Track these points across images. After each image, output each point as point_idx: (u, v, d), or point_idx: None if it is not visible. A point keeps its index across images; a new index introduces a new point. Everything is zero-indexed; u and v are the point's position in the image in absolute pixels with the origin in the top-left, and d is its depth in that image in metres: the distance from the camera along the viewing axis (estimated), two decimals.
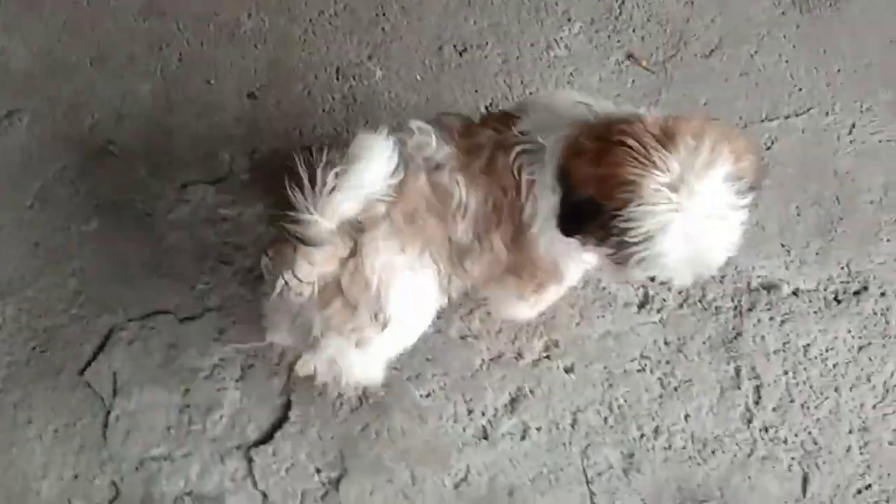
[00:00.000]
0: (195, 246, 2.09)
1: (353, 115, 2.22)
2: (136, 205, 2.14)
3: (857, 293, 2.06)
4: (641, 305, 2.04)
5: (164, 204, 2.13)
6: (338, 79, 2.25)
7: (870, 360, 2.00)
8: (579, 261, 1.61)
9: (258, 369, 1.99)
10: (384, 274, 1.49)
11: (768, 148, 2.20)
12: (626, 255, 1.36)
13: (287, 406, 1.96)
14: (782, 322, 2.02)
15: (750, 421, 1.95)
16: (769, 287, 2.05)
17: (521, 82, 2.27)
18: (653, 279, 1.44)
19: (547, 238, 1.54)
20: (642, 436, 1.94)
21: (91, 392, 1.96)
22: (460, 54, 2.31)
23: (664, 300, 2.05)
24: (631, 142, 1.33)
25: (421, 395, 1.97)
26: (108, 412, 1.95)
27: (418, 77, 2.28)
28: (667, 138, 1.32)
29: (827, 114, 2.24)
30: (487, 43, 2.32)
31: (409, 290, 1.54)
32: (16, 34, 2.31)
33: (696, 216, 1.31)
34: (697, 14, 2.36)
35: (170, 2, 2.35)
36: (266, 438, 1.94)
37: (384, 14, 2.35)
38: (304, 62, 2.29)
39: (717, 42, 2.32)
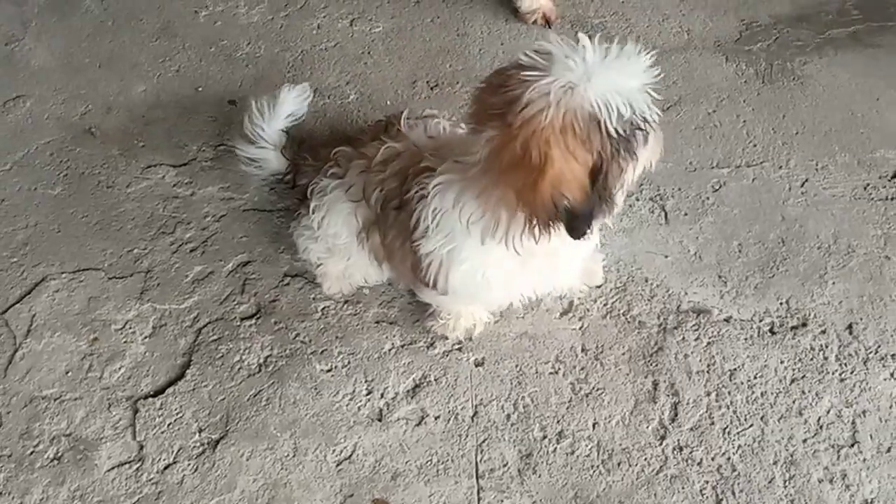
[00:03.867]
0: (143, 216, 2.26)
1: (319, 126, 2.44)
2: (100, 177, 2.35)
3: (794, 328, 2.02)
4: (564, 313, 2.05)
5: (126, 179, 2.34)
6: (314, 97, 2.50)
7: (803, 393, 1.92)
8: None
9: (169, 328, 2.06)
10: None
11: (716, 191, 2.27)
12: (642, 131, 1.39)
13: (186, 366, 2.01)
14: (709, 344, 1.99)
15: (663, 437, 1.87)
16: (699, 311, 2.04)
17: None
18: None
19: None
20: (545, 437, 1.88)
21: (7, 330, 2.06)
22: (431, 89, 2.54)
23: (587, 310, 2.05)
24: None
25: (321, 370, 1.98)
26: (16, 350, 2.03)
27: (388, 102, 2.50)
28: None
29: (780, 167, 2.32)
30: (458, 82, 2.55)
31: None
32: (43, 37, 2.68)
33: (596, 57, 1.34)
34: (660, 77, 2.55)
35: (183, 27, 2.71)
36: (157, 393, 1.97)
37: (370, 52, 2.63)
38: (287, 80, 2.57)
39: (676, 100, 2.48)
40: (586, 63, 1.32)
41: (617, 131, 1.33)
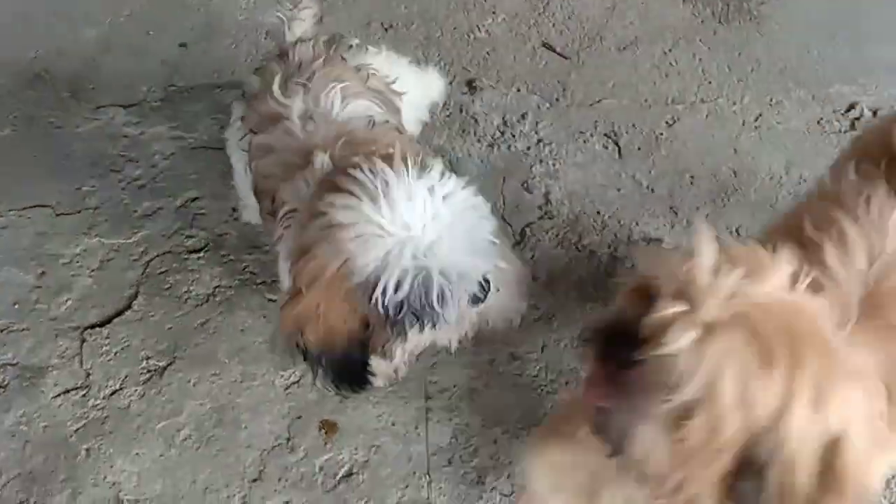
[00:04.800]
0: (92, 155, 2.32)
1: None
2: (50, 119, 2.40)
3: None
4: (516, 244, 2.13)
5: (76, 120, 2.39)
6: (265, 38, 2.56)
7: None
8: None
9: (117, 262, 2.12)
10: None
11: (669, 126, 2.35)
12: (419, 314, 1.28)
13: (134, 297, 2.07)
14: None
15: None
16: (650, 240, 2.12)
17: (438, 54, 2.54)
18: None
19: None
20: (494, 360, 1.96)
21: None
22: (385, 30, 2.60)
23: (539, 240, 2.13)
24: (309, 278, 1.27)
25: (270, 299, 2.05)
26: None
27: None
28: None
29: (734, 103, 2.41)
30: (413, 23, 2.62)
31: None
32: None
33: (417, 229, 1.24)
34: (617, 17, 2.64)
35: None
36: (104, 323, 2.03)
37: None
38: (239, 25, 2.62)
39: (632, 39, 2.56)
40: (393, 223, 1.23)
41: (387, 310, 1.25)
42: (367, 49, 1.79)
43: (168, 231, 2.15)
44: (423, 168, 1.28)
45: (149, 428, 1.86)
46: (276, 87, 1.57)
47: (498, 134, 2.29)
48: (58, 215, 2.18)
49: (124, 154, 2.30)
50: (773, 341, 0.88)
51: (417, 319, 1.29)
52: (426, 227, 1.24)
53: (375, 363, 1.44)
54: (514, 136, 2.28)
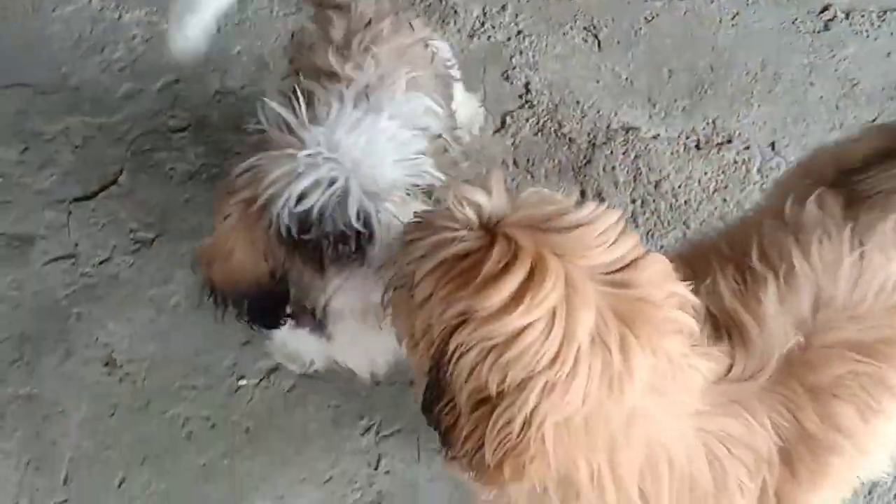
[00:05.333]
0: (71, 37, 2.34)
1: None
2: (25, 2, 2.42)
3: (719, 144, 2.22)
4: (497, 130, 2.22)
5: (52, 2, 2.41)
6: None
7: (724, 200, 2.13)
8: None
9: (100, 140, 2.18)
10: None
11: (649, 21, 2.44)
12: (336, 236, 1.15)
13: (119, 173, 2.13)
14: (636, 157, 2.18)
15: None
16: (628, 129, 2.23)
17: None
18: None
19: None
20: None
21: None
22: None
23: (520, 127, 2.23)
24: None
25: None
26: None
27: None
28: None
29: (712, 1, 2.50)
30: None
31: None
32: None
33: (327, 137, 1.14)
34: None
35: None
36: (90, 197, 2.09)
37: None
38: None
39: None
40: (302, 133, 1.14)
41: (289, 230, 1.12)
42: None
43: (150, 112, 2.20)
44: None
45: (139, 295, 1.94)
46: (336, 43, 1.41)
47: (478, 25, 2.36)
48: (38, 94, 2.22)
49: (103, 37, 2.33)
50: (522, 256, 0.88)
51: (332, 247, 1.13)
52: (349, 141, 1.14)
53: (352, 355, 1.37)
54: (493, 27, 2.36)
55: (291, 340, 1.61)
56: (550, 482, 0.97)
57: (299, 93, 1.18)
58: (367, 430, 1.82)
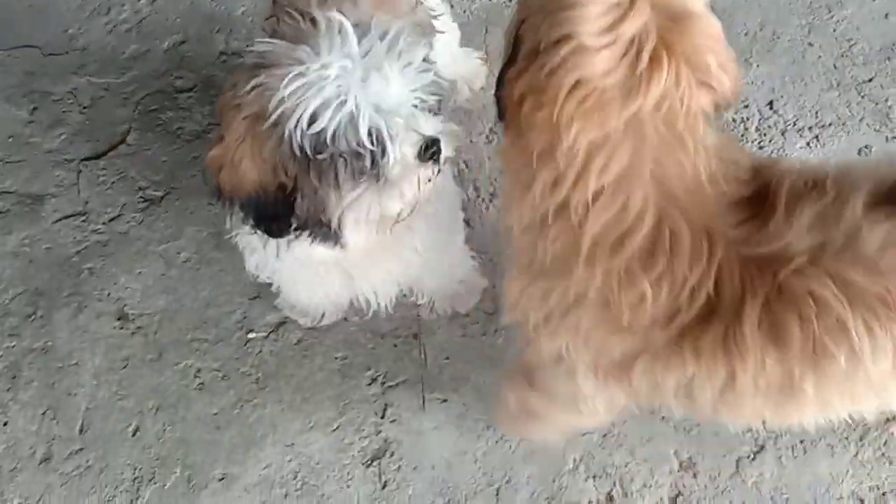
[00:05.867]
0: None
1: None
2: None
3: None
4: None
5: None
6: None
7: None
8: None
9: (108, 100, 2.25)
10: None
11: None
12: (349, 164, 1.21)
13: (127, 133, 2.21)
14: None
15: None
16: None
17: None
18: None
19: None
20: (478, 197, 2.14)
21: None
22: None
23: None
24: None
25: None
26: None
27: None
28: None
29: None
30: None
31: None
32: None
33: (342, 62, 1.19)
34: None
35: None
36: (100, 156, 2.17)
37: None
38: None
39: None
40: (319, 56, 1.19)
41: (303, 150, 1.18)
42: None
43: (157, 72, 2.27)
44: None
45: (149, 250, 2.02)
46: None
47: None
48: (46, 55, 2.29)
49: None
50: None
51: (348, 164, 1.20)
52: (359, 62, 1.19)
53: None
54: None
55: (304, 292, 1.69)
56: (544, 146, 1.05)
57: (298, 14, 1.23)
58: (373, 380, 1.91)
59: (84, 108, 2.21)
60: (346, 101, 1.16)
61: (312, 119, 1.16)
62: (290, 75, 1.17)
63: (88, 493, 1.84)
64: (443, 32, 1.70)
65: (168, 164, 2.12)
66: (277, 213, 1.27)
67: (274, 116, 1.17)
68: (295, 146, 1.17)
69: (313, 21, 1.23)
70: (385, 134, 1.19)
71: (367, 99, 1.18)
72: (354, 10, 1.39)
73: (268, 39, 1.23)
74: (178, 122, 2.18)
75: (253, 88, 1.19)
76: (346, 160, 1.20)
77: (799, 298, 1.08)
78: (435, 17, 1.67)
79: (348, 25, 1.21)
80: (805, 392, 1.15)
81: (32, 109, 2.20)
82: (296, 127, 1.16)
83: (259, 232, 1.32)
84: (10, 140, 2.15)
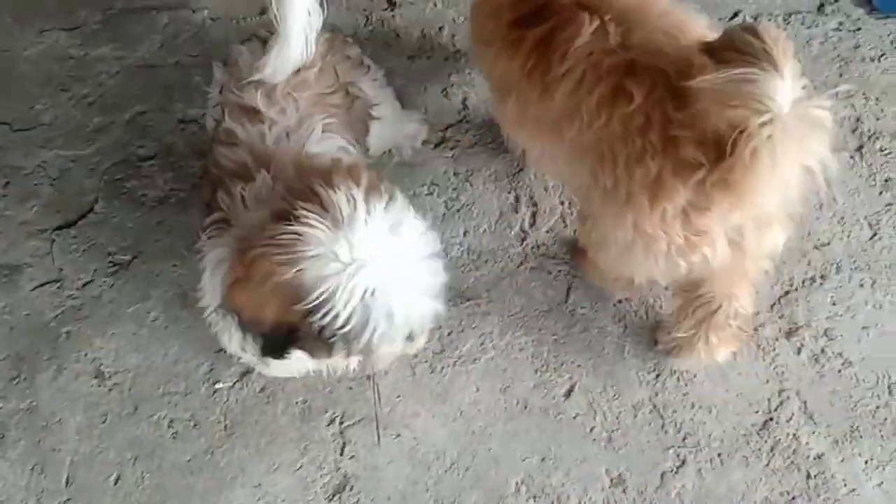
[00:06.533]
0: (41, 76, 2.62)
1: None
2: None
3: None
4: (438, 144, 2.54)
5: (22, 44, 2.69)
6: None
7: None
8: None
9: (75, 171, 2.47)
10: None
11: None
12: (349, 345, 1.42)
13: (95, 202, 2.43)
14: None
15: (524, 240, 2.39)
16: None
17: None
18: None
19: None
20: None
21: None
22: None
23: (458, 140, 2.55)
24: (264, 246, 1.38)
25: None
26: None
27: None
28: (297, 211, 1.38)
29: None
30: None
31: None
32: None
33: (372, 266, 1.36)
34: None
35: None
36: (71, 224, 2.39)
37: None
38: None
39: None
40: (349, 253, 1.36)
41: (323, 331, 1.38)
42: (361, 62, 2.04)
43: (120, 142, 2.49)
44: (389, 200, 1.42)
45: (121, 312, 2.25)
46: (260, 91, 1.74)
47: (417, 47, 2.68)
48: (14, 131, 2.51)
49: (71, 74, 2.62)
50: None
51: (348, 348, 1.42)
52: (381, 264, 1.35)
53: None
54: (432, 48, 2.67)
55: (278, 370, 1.98)
56: None
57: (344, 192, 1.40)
58: (332, 421, 2.15)
59: (53, 180, 2.43)
60: (368, 310, 1.37)
61: (340, 318, 1.36)
62: (328, 273, 1.36)
63: None
64: (378, 119, 1.99)
65: (134, 229, 2.35)
66: (281, 345, 1.49)
67: (305, 296, 1.36)
68: (316, 326, 1.38)
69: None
70: (387, 338, 1.42)
71: (384, 309, 1.38)
72: (294, 112, 1.67)
73: (307, 216, 1.37)
74: (143, 189, 2.42)
75: (287, 255, 1.36)
76: (346, 345, 1.43)
77: None
78: (370, 109, 1.96)
79: (374, 213, 1.38)
80: None
81: (5, 184, 2.42)
82: (323, 317, 1.37)
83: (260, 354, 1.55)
84: None
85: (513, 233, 2.38)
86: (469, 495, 2.07)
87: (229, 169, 1.67)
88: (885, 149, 2.46)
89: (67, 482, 2.10)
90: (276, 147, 1.67)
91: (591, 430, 2.15)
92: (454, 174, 2.46)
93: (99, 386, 2.18)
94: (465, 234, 2.38)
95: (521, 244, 2.36)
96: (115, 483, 2.10)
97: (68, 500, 2.08)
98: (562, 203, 2.42)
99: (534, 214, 2.40)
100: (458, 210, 2.41)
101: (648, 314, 2.27)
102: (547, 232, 2.38)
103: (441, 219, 2.40)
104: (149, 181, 2.42)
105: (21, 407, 2.16)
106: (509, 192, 2.44)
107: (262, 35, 1.84)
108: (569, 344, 2.24)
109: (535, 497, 2.07)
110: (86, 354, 2.19)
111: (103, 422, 2.15)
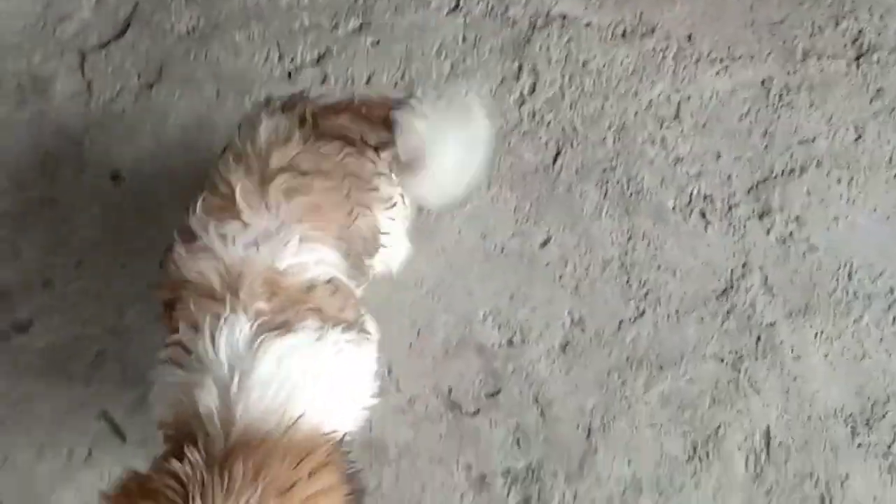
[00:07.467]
0: None
1: None
2: None
3: (643, 34, 2.73)
4: (451, 11, 2.74)
5: None
6: None
7: (641, 80, 2.66)
8: None
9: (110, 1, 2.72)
10: None
11: None
12: None
13: (126, 28, 2.67)
14: (569, 40, 2.70)
15: (521, 104, 2.60)
16: (565, 16, 2.75)
17: None
18: None
19: None
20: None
21: None
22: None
23: (470, 10, 2.74)
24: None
25: (241, 38, 2.66)
26: None
27: None
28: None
29: None
30: None
31: None
32: None
33: None
34: None
35: None
36: (102, 46, 2.64)
37: None
38: None
39: None
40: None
41: None
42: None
43: None
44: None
45: (142, 128, 2.50)
46: (242, 194, 1.54)
47: None
48: None
49: None
50: None
51: None
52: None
53: None
54: None
55: None
56: None
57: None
58: None
59: (91, 5, 2.67)
60: None
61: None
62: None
63: None
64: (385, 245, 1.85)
65: (159, 56, 2.61)
66: None
67: None
68: None
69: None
70: None
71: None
72: (275, 218, 1.54)
73: None
74: (170, 23, 2.66)
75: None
76: None
77: None
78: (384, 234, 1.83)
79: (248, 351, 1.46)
80: None
81: (46, 5, 2.66)
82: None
83: None
84: (25, 30, 2.62)
85: (512, 98, 2.58)
86: (440, 317, 2.30)
87: (193, 284, 1.50)
88: (882, 60, 2.62)
89: (77, 265, 2.36)
90: (250, 259, 1.49)
91: (561, 277, 2.37)
92: (463, 39, 2.66)
93: (115, 186, 2.42)
94: (465, 94, 2.57)
95: (519, 109, 2.56)
96: (122, 267, 2.35)
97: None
98: (562, 76, 2.61)
99: (534, 84, 2.60)
100: (464, 72, 2.61)
101: (630, 184, 2.46)
102: (545, 101, 2.58)
103: (445, 78, 2.61)
104: (178, 16, 2.66)
105: (44, 196, 2.41)
106: (514, 61, 2.63)
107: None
108: (550, 203, 2.44)
109: (500, 326, 2.29)
110: (103, 161, 2.44)
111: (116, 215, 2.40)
